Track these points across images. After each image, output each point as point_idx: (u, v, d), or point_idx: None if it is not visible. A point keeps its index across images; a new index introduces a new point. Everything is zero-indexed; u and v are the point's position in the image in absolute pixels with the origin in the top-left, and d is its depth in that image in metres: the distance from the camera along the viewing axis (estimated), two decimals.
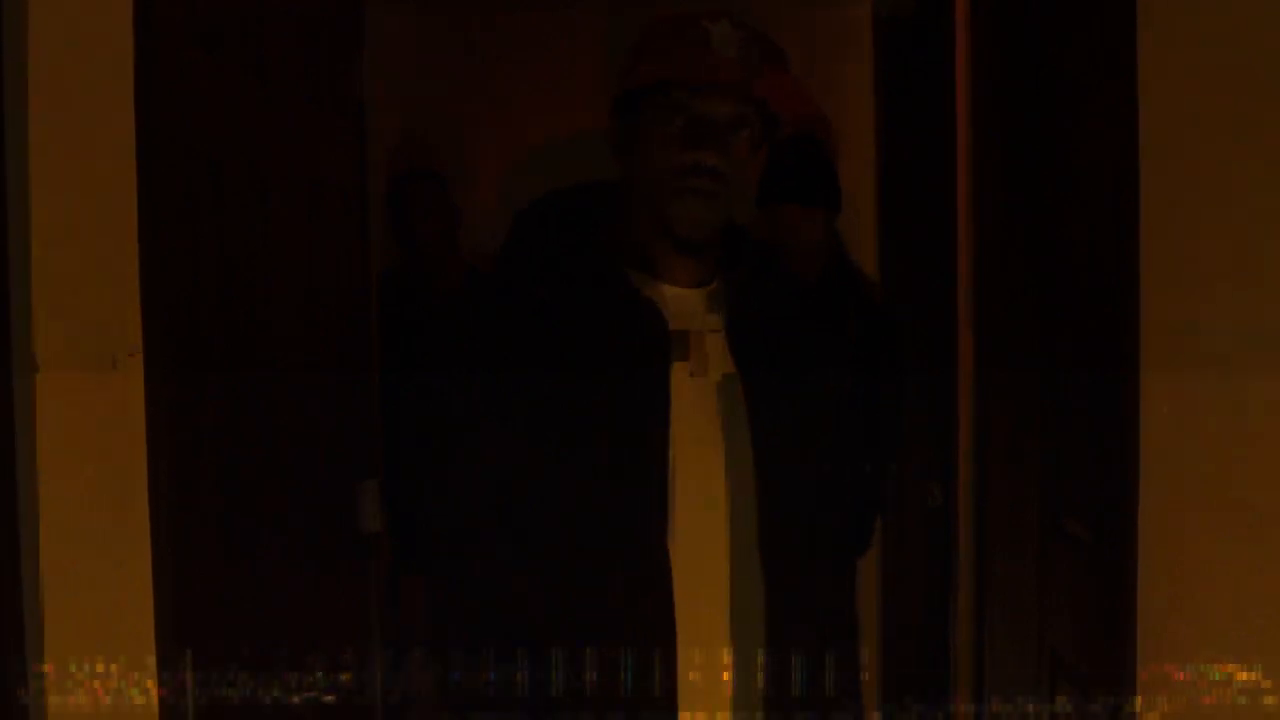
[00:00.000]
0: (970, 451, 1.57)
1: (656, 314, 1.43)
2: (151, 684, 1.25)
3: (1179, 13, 1.32)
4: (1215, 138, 1.30)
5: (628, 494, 1.40)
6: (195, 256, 1.35)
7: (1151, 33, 1.32)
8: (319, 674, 1.39)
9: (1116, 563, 1.38)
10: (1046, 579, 1.51)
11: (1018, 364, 1.49)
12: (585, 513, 1.40)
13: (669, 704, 1.39)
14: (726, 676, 1.44)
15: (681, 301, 1.47)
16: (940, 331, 1.69)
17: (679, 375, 1.42)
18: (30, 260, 1.22)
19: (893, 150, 2.68)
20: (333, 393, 1.52)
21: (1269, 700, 1.30)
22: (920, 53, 2.20)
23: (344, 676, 1.40)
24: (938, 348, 1.75)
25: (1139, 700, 1.37)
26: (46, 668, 1.22)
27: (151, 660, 1.27)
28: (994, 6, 1.49)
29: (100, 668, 1.25)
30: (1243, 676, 1.32)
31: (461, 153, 3.06)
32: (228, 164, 1.40)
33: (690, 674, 1.41)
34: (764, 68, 1.43)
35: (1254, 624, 1.32)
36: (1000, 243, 1.51)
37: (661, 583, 1.39)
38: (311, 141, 1.53)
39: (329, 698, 1.38)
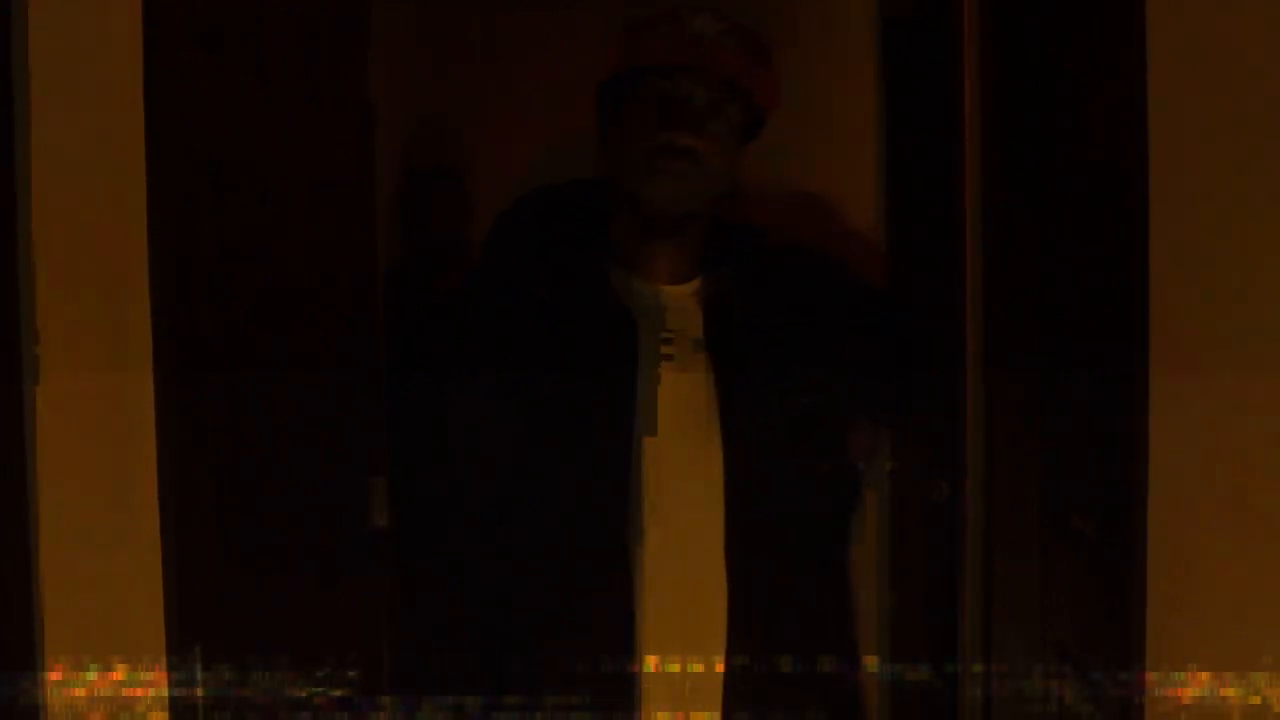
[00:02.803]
0: (977, 448, 1.58)
1: (625, 312, 1.43)
2: (161, 681, 1.25)
3: (1188, 8, 1.32)
4: (1225, 136, 1.31)
5: (591, 494, 1.39)
6: (202, 256, 1.35)
7: (1160, 29, 1.33)
8: (328, 669, 1.39)
9: (1122, 560, 1.39)
10: (1052, 575, 1.51)
11: (1025, 361, 1.49)
12: (552, 512, 1.40)
13: (628, 705, 1.39)
14: (687, 676, 1.43)
15: (662, 297, 1.47)
16: (946, 330, 1.70)
17: (658, 374, 1.42)
18: (35, 260, 1.22)
19: (896, 149, 2.68)
20: (340, 391, 1.52)
21: (1272, 699, 1.31)
22: (924, 50, 2.20)
23: (352, 673, 1.40)
24: (944, 346, 1.75)
25: (1145, 697, 1.37)
26: (54, 670, 1.22)
27: (158, 659, 1.27)
28: (999, 4, 1.50)
29: (106, 668, 1.25)
30: (1246, 675, 1.33)
31: (462, 152, 3.07)
32: (234, 163, 1.40)
33: (651, 675, 1.41)
34: (748, 60, 1.44)
35: (1258, 623, 1.33)
36: (1007, 241, 1.52)
37: (623, 583, 1.39)
38: (318, 140, 1.54)
39: (338, 692, 1.38)
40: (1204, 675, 1.33)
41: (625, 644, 1.40)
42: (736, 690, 1.44)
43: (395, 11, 2.67)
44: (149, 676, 1.26)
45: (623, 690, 1.40)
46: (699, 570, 1.44)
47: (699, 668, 1.44)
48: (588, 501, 1.41)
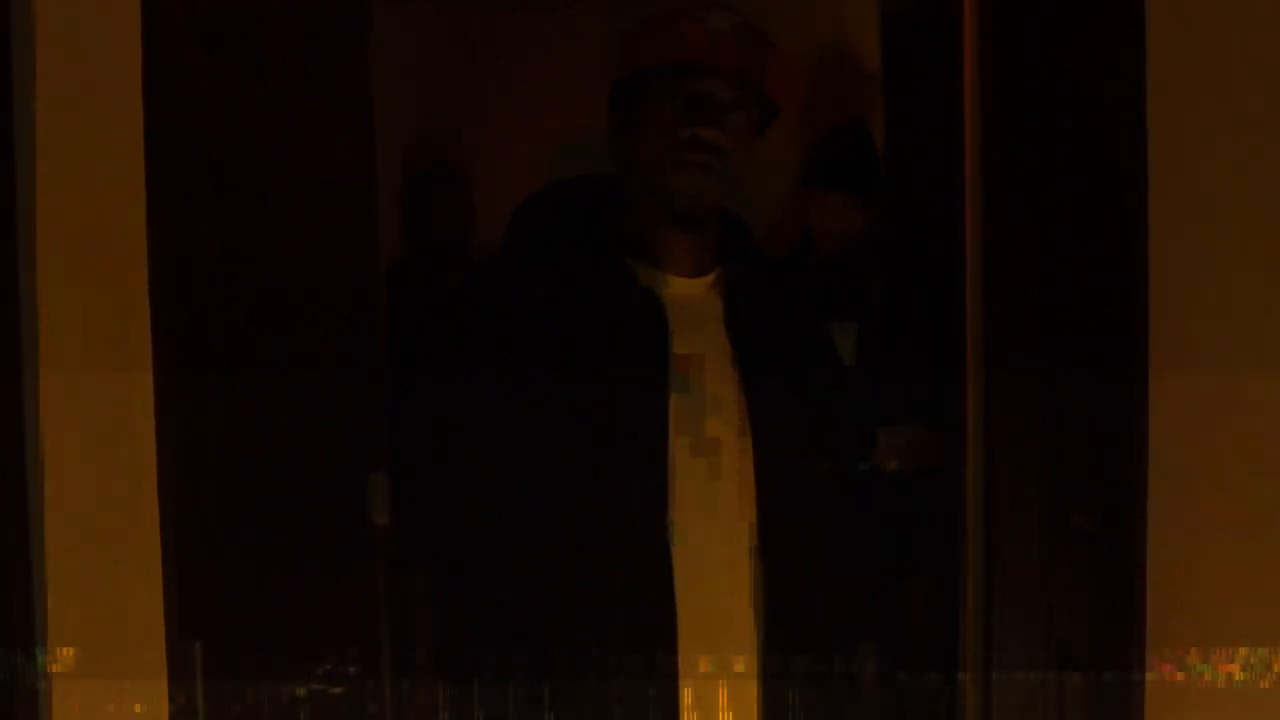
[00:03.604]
0: (977, 447, 1.58)
1: (656, 302, 1.43)
2: (161, 677, 1.25)
3: (1188, 9, 1.33)
4: (1225, 136, 1.31)
5: (627, 490, 1.39)
6: (202, 256, 1.35)
7: (1160, 29, 1.33)
8: (328, 666, 1.39)
9: (1122, 559, 1.39)
10: (1055, 571, 1.51)
11: (1025, 358, 1.49)
12: (585, 510, 1.40)
13: (670, 704, 1.39)
14: (739, 670, 1.44)
15: (683, 291, 1.47)
16: (947, 327, 1.70)
17: (686, 366, 1.43)
18: (37, 260, 1.22)
19: (898, 146, 2.68)
20: (341, 389, 1.52)
21: (1268, 694, 1.31)
22: (924, 49, 2.20)
23: (352, 669, 1.41)
24: (945, 343, 1.75)
25: (1145, 695, 1.37)
26: (54, 667, 1.22)
27: (158, 656, 1.27)
28: (1000, 3, 1.50)
29: (105, 667, 1.25)
30: (1241, 676, 1.33)
31: (462, 151, 3.07)
32: (234, 163, 1.40)
33: (693, 674, 1.41)
34: (762, 57, 1.44)
35: (1257, 621, 1.33)
36: (1007, 241, 1.52)
37: (662, 580, 1.39)
38: (319, 140, 1.54)
39: (337, 689, 1.38)
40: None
41: (666, 642, 1.40)
42: (773, 688, 1.45)
43: (395, 11, 2.68)
44: (149, 672, 1.26)
45: (663, 687, 1.40)
46: (733, 567, 1.44)
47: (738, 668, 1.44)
48: (621, 498, 1.41)
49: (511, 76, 3.02)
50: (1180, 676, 1.36)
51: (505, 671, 1.41)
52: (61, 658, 1.22)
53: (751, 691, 1.44)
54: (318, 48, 1.57)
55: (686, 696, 1.41)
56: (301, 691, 1.38)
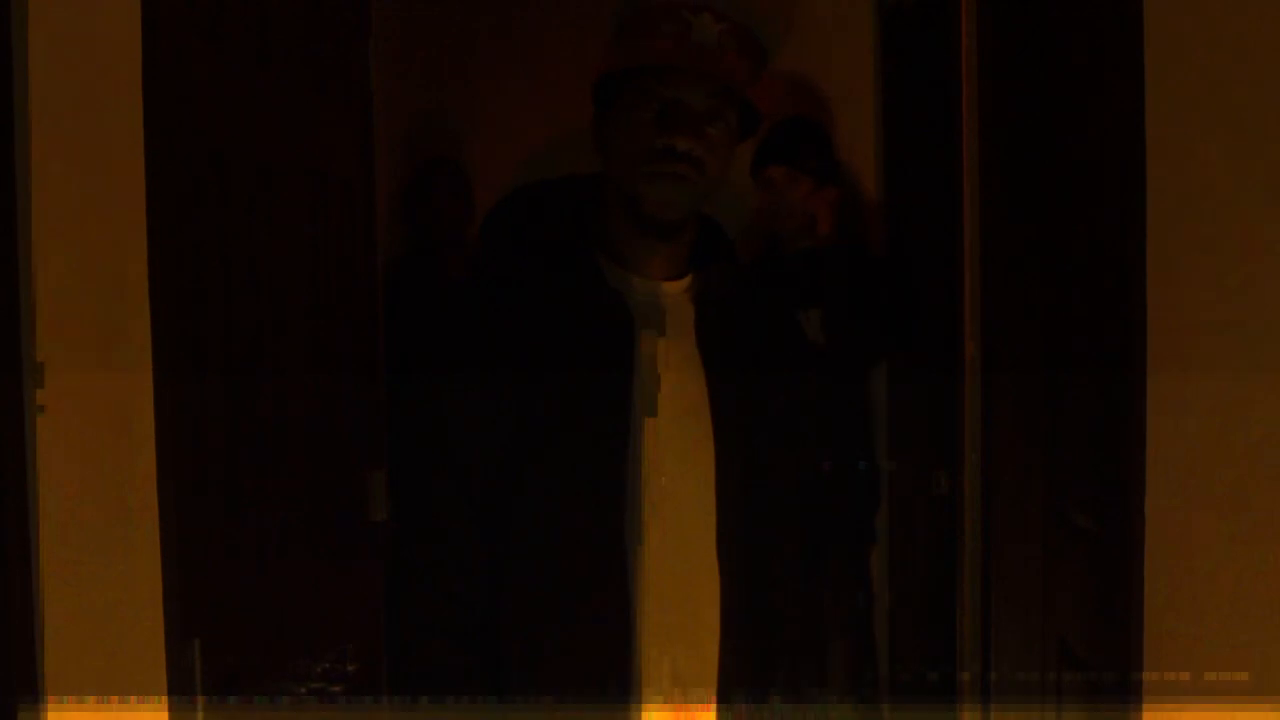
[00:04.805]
0: (976, 441, 1.58)
1: (622, 308, 1.43)
2: (160, 675, 1.26)
3: (1187, 8, 1.32)
4: (1224, 135, 1.31)
5: (588, 489, 1.40)
6: (202, 255, 1.35)
7: (1159, 28, 1.32)
8: (326, 663, 1.40)
9: (1123, 557, 1.39)
10: (1053, 570, 1.52)
11: (1023, 355, 1.50)
12: (547, 508, 1.40)
13: (624, 700, 1.40)
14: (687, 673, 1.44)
15: (653, 295, 1.47)
16: (946, 324, 1.70)
17: (653, 370, 1.42)
18: (34, 260, 1.22)
19: (895, 142, 2.68)
20: (339, 386, 1.53)
21: (1268, 700, 1.31)
22: (924, 43, 2.20)
23: (350, 666, 1.41)
24: (943, 340, 1.75)
25: (1144, 694, 1.37)
26: (52, 666, 1.22)
27: (158, 655, 1.27)
28: (999, 2, 1.50)
29: (104, 666, 1.26)
30: (1242, 677, 1.33)
31: (460, 148, 3.07)
32: (234, 158, 1.40)
33: (650, 670, 1.41)
34: (747, 66, 1.43)
35: (1255, 624, 1.33)
36: (1007, 239, 1.52)
37: (619, 579, 1.39)
38: (319, 135, 1.54)
39: (336, 687, 1.39)
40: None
41: (623, 639, 1.40)
42: (731, 681, 1.46)
43: (396, 6, 2.67)
44: (148, 671, 1.26)
45: (621, 681, 1.41)
46: (694, 564, 1.44)
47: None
48: (585, 497, 1.41)
49: (512, 72, 3.03)
50: (1182, 676, 1.36)
51: (494, 666, 1.42)
52: (59, 658, 1.22)
53: (710, 686, 1.45)
54: (319, 43, 1.57)
55: (646, 692, 1.41)
56: (301, 688, 1.39)
